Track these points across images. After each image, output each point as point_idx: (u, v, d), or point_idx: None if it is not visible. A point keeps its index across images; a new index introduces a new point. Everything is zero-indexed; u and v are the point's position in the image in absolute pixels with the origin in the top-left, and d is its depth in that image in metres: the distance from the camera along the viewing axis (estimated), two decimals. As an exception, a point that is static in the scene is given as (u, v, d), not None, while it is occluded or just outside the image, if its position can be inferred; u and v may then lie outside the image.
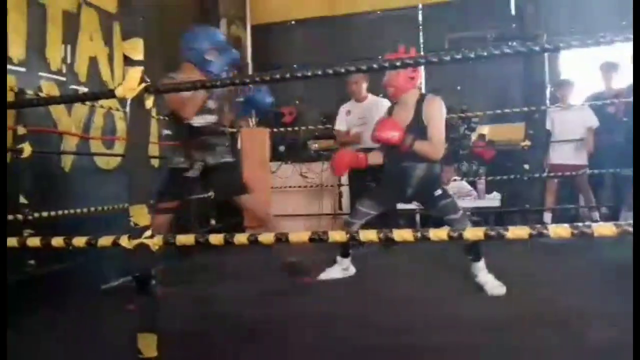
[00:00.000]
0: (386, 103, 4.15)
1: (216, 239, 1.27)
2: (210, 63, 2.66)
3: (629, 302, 2.39)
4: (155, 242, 1.33)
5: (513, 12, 5.99)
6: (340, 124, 4.33)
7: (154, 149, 4.19)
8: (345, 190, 5.22)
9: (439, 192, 2.79)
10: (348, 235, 1.25)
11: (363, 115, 4.16)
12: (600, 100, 4.59)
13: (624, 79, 4.59)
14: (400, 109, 2.86)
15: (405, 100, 2.82)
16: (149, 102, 1.36)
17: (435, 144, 2.72)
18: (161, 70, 4.15)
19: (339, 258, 3.21)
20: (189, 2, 5.12)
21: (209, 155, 2.74)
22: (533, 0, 5.86)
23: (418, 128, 2.72)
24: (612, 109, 4.55)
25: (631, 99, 4.24)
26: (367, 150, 4.07)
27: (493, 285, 2.71)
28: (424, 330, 2.19)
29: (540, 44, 1.31)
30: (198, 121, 2.69)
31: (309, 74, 1.33)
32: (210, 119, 2.75)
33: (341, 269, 3.21)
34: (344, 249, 3.19)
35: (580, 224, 1.16)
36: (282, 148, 5.74)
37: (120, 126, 3.65)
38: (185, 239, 1.32)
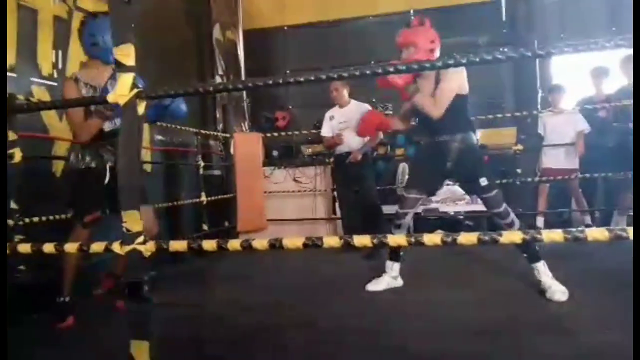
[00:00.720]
0: (368, 108, 4.28)
1: (209, 244, 1.26)
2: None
3: (621, 305, 2.41)
4: (147, 248, 1.32)
5: (504, 17, 6.05)
6: (325, 130, 4.44)
7: (146, 155, 4.18)
8: (339, 194, 5.23)
9: (484, 181, 2.65)
10: (342, 241, 1.25)
11: (345, 119, 4.27)
12: (590, 105, 4.63)
13: (614, 84, 4.63)
14: (423, 81, 2.75)
15: (427, 73, 2.70)
16: (141, 108, 1.36)
17: (436, 101, 2.62)
18: (154, 75, 4.21)
19: (388, 264, 2.97)
20: (181, 8, 5.11)
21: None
22: (524, 6, 5.92)
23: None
24: (603, 113, 4.59)
25: (620, 103, 4.28)
26: (347, 153, 4.21)
27: (554, 290, 2.56)
28: (413, 335, 2.19)
29: (532, 49, 1.32)
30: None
31: (302, 79, 1.33)
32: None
33: (391, 278, 2.96)
34: (394, 252, 2.95)
35: (573, 229, 1.17)
36: (275, 153, 5.74)
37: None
38: (179, 244, 1.31)
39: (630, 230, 1.10)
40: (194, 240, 1.29)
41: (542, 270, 2.65)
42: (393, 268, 2.95)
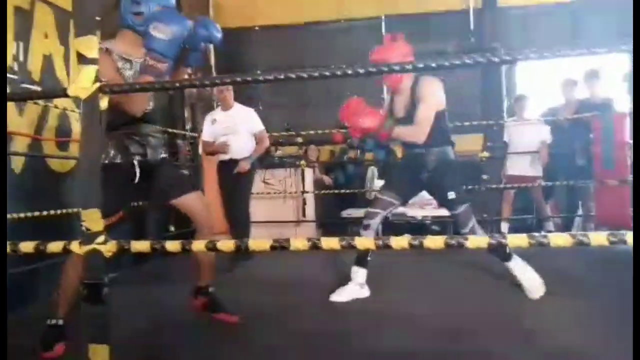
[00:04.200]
0: (253, 113, 4.01)
1: (173, 245, 1.23)
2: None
3: (584, 308, 2.48)
4: (108, 249, 1.27)
5: (472, 26, 6.17)
6: (207, 134, 4.05)
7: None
8: (309, 197, 5.21)
9: (452, 195, 2.65)
10: (310, 243, 1.23)
11: (229, 124, 3.94)
12: (556, 115, 4.79)
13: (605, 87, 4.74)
14: (398, 99, 2.73)
15: (402, 88, 2.68)
16: (104, 103, 1.31)
17: (417, 125, 2.57)
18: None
19: (354, 269, 2.84)
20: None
21: (149, 148, 2.18)
22: (490, 16, 6.06)
23: (414, 113, 2.60)
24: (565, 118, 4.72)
25: (589, 113, 4.43)
26: (235, 161, 3.86)
27: (530, 286, 2.66)
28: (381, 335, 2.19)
29: (499, 55, 1.35)
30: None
31: (271, 77, 1.31)
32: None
33: (357, 285, 2.82)
34: (361, 256, 2.84)
35: (537, 234, 1.19)
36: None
37: (76, 128, 3.52)
38: (141, 245, 1.27)
39: (592, 236, 1.13)
40: (157, 240, 1.25)
41: (515, 268, 2.71)
42: (359, 274, 2.83)
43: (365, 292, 2.84)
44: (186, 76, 2.23)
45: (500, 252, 2.71)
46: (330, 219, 5.51)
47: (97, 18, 1.37)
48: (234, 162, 3.89)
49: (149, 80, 1.84)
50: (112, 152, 2.08)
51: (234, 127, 3.90)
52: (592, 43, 1.23)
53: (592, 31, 5.73)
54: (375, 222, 2.80)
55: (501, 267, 2.80)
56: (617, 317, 2.23)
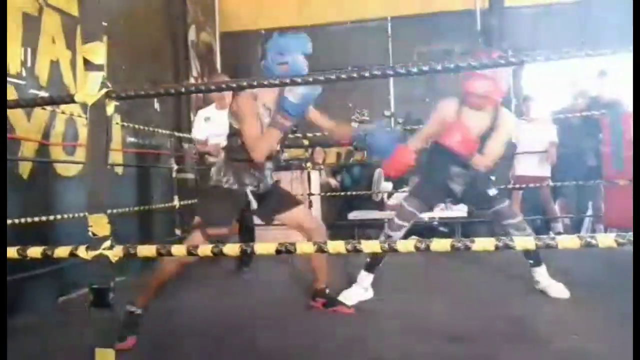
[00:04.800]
0: None
1: (178, 250, 1.23)
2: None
3: (590, 312, 2.46)
4: (114, 253, 1.27)
5: (479, 27, 6.15)
6: (199, 132, 3.88)
7: (117, 157, 4.08)
8: (315, 199, 5.20)
9: (494, 191, 2.72)
10: (316, 247, 1.23)
11: (225, 124, 3.86)
12: (567, 114, 4.76)
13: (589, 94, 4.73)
14: (475, 116, 2.65)
15: (486, 105, 2.64)
16: (110, 108, 1.32)
17: (488, 155, 2.62)
18: (127, 75, 4.14)
19: (362, 274, 2.83)
20: (156, 8, 5.03)
21: (262, 182, 2.43)
22: (498, 17, 6.03)
23: (488, 138, 2.63)
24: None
25: (590, 113, 4.40)
26: None
27: (557, 290, 2.74)
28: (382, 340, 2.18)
29: (505, 58, 1.33)
30: None
31: (276, 82, 1.31)
32: None
33: (362, 289, 2.82)
34: (373, 263, 2.81)
35: (545, 236, 1.18)
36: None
37: (83, 133, 3.54)
38: (147, 250, 1.27)
39: (599, 238, 1.12)
40: (163, 245, 1.25)
41: (543, 273, 2.82)
42: (366, 279, 2.82)
43: (369, 295, 2.85)
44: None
45: (534, 257, 2.79)
46: (337, 222, 5.50)
47: (104, 24, 1.38)
48: None
49: (275, 133, 2.26)
50: (230, 180, 2.34)
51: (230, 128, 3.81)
52: (600, 43, 1.21)
53: (601, 30, 5.68)
54: (398, 235, 2.74)
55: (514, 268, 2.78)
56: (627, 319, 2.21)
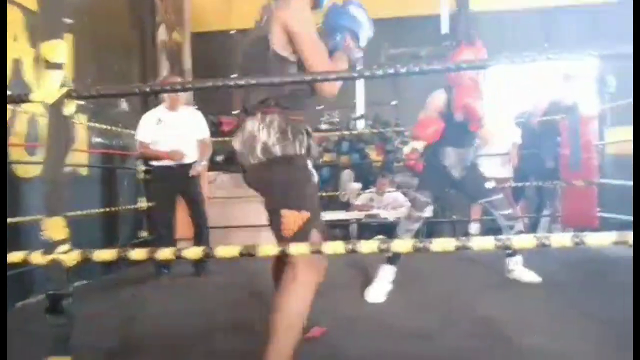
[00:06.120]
0: (203, 118, 3.82)
1: (138, 254, 1.20)
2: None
3: (547, 309, 2.53)
4: (71, 258, 1.24)
5: (445, 31, 6.26)
6: (145, 134, 3.65)
7: (82, 157, 3.98)
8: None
9: (491, 184, 3.00)
10: (278, 249, 1.23)
11: (178, 126, 3.67)
12: (527, 118, 4.88)
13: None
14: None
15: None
16: (70, 108, 1.28)
17: (490, 128, 2.99)
18: (92, 75, 4.04)
19: (386, 267, 2.89)
20: (124, 6, 4.93)
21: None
22: (463, 21, 6.15)
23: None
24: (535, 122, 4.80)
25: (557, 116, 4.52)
26: (182, 166, 3.63)
27: (529, 275, 3.03)
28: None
29: (467, 61, 1.36)
30: None
31: (253, 82, 1.31)
32: None
33: (389, 283, 2.89)
34: (396, 255, 2.86)
35: (502, 237, 1.21)
36: (219, 158, 5.62)
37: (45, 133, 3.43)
38: (105, 254, 1.24)
39: (553, 239, 1.15)
40: (122, 249, 1.23)
41: (517, 262, 3.11)
42: (389, 272, 2.89)
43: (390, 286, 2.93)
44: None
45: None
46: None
47: (68, 21, 1.35)
48: (180, 167, 3.66)
49: (345, 63, 1.70)
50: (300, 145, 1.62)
51: (183, 130, 3.67)
52: (563, 49, 1.25)
53: (565, 36, 5.87)
54: (416, 227, 2.95)
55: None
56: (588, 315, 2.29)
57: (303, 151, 1.59)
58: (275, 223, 1.55)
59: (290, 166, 1.55)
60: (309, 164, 1.62)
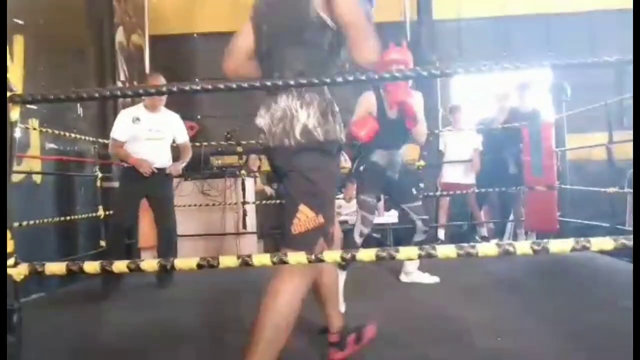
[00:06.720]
0: (181, 121, 3.78)
1: (91, 267, 1.14)
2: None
3: (512, 312, 2.57)
4: (19, 272, 1.17)
5: (408, 38, 6.35)
6: (121, 132, 3.51)
7: (35, 164, 3.81)
8: (250, 208, 5.12)
9: (415, 190, 3.16)
10: (240, 260, 1.19)
11: (157, 128, 3.58)
12: (489, 124, 4.98)
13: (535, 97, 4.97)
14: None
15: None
16: (14, 113, 1.21)
17: (422, 125, 2.98)
18: (47, 78, 3.87)
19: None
20: (79, 7, 4.77)
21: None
22: (426, 29, 6.26)
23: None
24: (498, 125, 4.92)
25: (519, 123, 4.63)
26: (161, 169, 3.55)
27: (429, 279, 3.23)
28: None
29: (428, 69, 1.37)
30: None
31: (222, 86, 1.27)
32: None
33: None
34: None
35: (465, 244, 1.21)
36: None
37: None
38: (56, 267, 1.17)
39: (517, 246, 1.16)
40: (73, 262, 1.16)
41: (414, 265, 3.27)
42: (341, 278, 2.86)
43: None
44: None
45: None
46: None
47: (20, 22, 1.27)
48: (160, 171, 3.58)
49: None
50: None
51: (163, 133, 3.59)
52: (520, 57, 1.27)
53: (523, 45, 6.04)
54: (368, 230, 3.04)
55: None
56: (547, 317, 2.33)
57: (342, 136, 1.49)
58: (289, 213, 1.44)
59: (325, 157, 1.45)
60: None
